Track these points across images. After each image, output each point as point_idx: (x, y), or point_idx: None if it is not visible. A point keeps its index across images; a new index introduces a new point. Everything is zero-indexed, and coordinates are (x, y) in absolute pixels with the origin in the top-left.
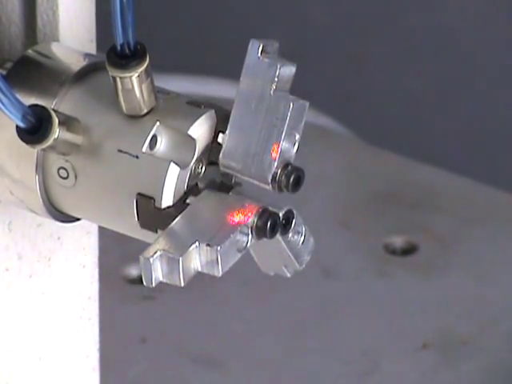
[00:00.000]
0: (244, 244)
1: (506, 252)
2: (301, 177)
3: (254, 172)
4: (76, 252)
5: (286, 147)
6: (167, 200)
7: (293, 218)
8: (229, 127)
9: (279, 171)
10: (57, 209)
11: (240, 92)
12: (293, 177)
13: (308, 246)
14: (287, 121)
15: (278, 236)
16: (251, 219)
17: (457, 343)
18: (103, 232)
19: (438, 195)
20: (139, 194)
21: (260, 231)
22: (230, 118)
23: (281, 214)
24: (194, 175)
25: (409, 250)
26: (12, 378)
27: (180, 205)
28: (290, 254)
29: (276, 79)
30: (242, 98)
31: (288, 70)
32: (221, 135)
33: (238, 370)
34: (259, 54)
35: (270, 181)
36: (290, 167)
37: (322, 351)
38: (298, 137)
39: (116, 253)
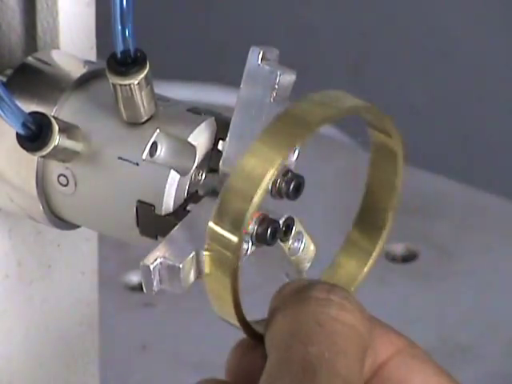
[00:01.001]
0: (244, 251)
1: (505, 259)
2: (301, 184)
3: None
4: (76, 259)
5: None
6: (167, 207)
7: (293, 225)
8: (229, 134)
9: (279, 178)
10: (57, 216)
11: (240, 99)
12: (293, 184)
13: (308, 253)
14: None
15: (279, 243)
16: (251, 226)
17: (457, 350)
18: (103, 239)
19: (439, 202)
20: (139, 201)
21: (260, 238)
22: (230, 125)
23: (281, 221)
24: (194, 182)
25: (409, 258)
26: None
27: (180, 212)
28: (291, 261)
29: (276, 86)
30: (242, 105)
31: (288, 78)
32: (221, 142)
33: None
34: (259, 61)
35: (270, 187)
36: (290, 174)
37: None
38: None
39: (116, 260)
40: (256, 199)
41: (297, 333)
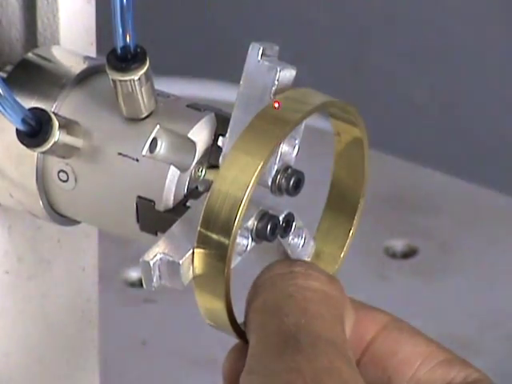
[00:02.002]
0: (244, 247)
1: (506, 255)
2: (301, 180)
3: None
4: (76, 255)
5: (286, 150)
6: (167, 203)
7: (293, 221)
8: (229, 130)
9: (279, 174)
10: (57, 212)
11: (240, 95)
12: (293, 180)
13: (308, 249)
14: None
15: (279, 238)
16: (251, 222)
17: (457, 346)
18: (103, 235)
19: (439, 198)
20: (139, 197)
21: (260, 234)
22: (230, 122)
23: (281, 217)
24: (194, 178)
25: (409, 253)
26: (12, 381)
27: (180, 208)
28: (291, 256)
29: (276, 82)
30: (242, 101)
31: (288, 73)
32: (221, 138)
33: None
34: (259, 57)
35: (270, 184)
36: (289, 170)
37: None
38: (297, 140)
39: (116, 255)
40: (245, 200)
41: (269, 310)
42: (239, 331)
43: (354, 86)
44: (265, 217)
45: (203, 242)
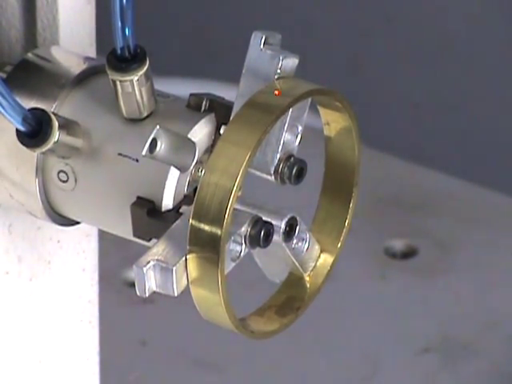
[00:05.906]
0: (238, 253)
1: (506, 256)
2: (303, 168)
3: (257, 164)
4: (76, 255)
5: (289, 139)
6: (167, 203)
7: (296, 224)
8: (231, 119)
9: (282, 163)
10: (57, 212)
11: (242, 84)
12: (295, 168)
13: (313, 253)
14: (289, 112)
15: (282, 243)
16: (244, 228)
17: (457, 347)
18: (103, 235)
19: (439, 199)
20: (138, 198)
21: (253, 240)
22: (233, 110)
23: (284, 222)
24: (194, 178)
25: (409, 254)
26: (12, 381)
27: (173, 214)
28: (295, 261)
29: (279, 71)
30: (245, 90)
31: (291, 62)
32: (224, 128)
33: (238, 373)
34: (262, 46)
35: (272, 172)
36: (292, 159)
37: (323, 355)
38: (300, 128)
39: (116, 256)
40: (234, 190)
41: None
42: (237, 324)
43: (353, 85)
44: (258, 223)
45: (195, 234)
